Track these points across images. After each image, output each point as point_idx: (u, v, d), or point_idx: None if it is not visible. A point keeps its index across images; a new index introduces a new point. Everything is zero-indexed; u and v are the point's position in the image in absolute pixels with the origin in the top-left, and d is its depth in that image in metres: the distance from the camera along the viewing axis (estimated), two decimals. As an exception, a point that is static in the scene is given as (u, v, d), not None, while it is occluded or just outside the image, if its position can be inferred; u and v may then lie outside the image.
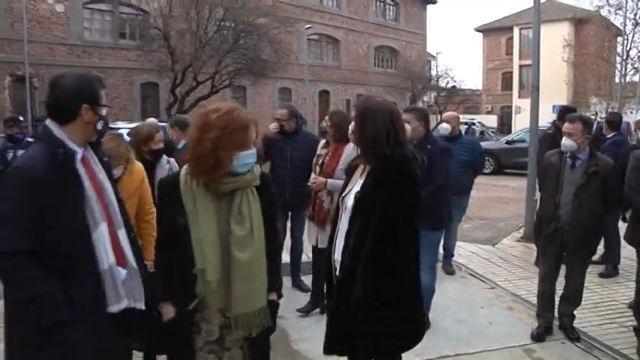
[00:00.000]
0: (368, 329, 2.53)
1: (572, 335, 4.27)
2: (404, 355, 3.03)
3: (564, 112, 6.21)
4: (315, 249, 4.72)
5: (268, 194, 2.41)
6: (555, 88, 40.77)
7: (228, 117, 2.21)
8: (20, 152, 5.02)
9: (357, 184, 2.70)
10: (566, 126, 4.14)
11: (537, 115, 7.59)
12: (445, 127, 5.86)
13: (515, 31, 44.73)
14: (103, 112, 2.26)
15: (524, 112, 7.67)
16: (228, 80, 23.98)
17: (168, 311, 2.31)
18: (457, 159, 5.09)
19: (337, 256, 2.72)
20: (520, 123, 31.77)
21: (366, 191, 2.58)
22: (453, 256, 6.27)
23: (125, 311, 2.24)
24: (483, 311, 4.94)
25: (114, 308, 2.20)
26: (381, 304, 2.53)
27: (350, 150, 4.31)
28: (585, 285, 4.43)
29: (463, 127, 21.14)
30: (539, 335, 4.26)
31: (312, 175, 4.57)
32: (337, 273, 2.71)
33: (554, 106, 31.32)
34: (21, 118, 5.72)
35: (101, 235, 2.20)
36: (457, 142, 5.69)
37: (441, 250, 5.59)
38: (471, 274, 6.08)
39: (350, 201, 2.67)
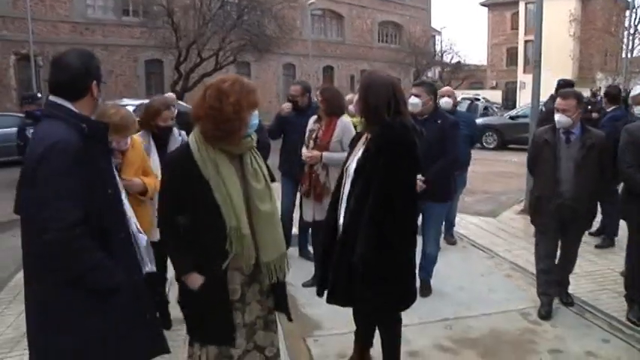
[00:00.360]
0: (367, 285, 2.79)
1: (566, 300, 4.43)
2: (406, 318, 3.27)
3: (563, 87, 6.33)
4: (314, 224, 4.74)
5: (260, 154, 2.63)
6: (561, 64, 40.46)
7: (239, 83, 2.41)
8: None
9: (359, 152, 2.93)
10: (558, 102, 4.13)
11: (539, 90, 7.69)
12: (447, 102, 5.85)
13: (521, 5, 44.31)
14: (101, 87, 2.36)
15: (529, 87, 7.71)
16: (233, 56, 24.00)
17: (196, 279, 2.44)
18: None
19: (341, 219, 2.94)
20: (525, 98, 31.68)
21: (367, 157, 2.81)
22: (454, 226, 6.44)
23: (149, 274, 2.45)
24: (483, 279, 5.14)
25: (145, 270, 2.42)
26: (379, 264, 2.78)
27: (343, 123, 4.51)
28: (581, 255, 4.63)
29: (466, 103, 21.23)
30: (548, 313, 4.21)
31: (304, 150, 4.64)
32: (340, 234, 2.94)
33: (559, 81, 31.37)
34: (39, 95, 5.72)
35: (126, 204, 2.40)
36: (455, 116, 5.54)
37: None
38: (472, 245, 6.27)
39: (352, 166, 2.90)
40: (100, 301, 2.16)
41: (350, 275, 2.84)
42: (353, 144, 3.12)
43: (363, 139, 3.00)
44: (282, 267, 2.58)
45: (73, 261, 2.10)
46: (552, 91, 6.84)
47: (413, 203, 2.93)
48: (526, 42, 42.64)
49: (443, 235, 5.89)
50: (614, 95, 6.50)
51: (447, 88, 6.55)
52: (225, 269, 2.43)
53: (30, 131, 5.85)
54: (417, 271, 3.47)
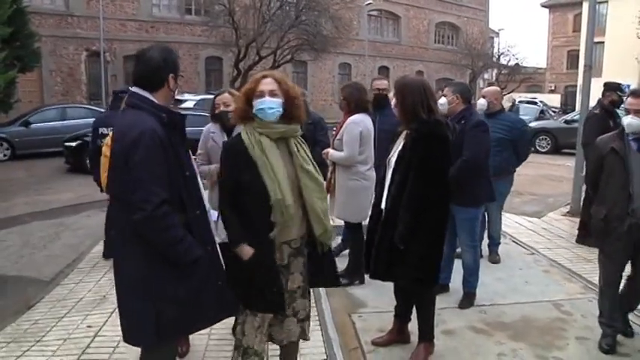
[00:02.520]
0: (406, 260, 3.23)
1: (626, 330, 3.97)
2: (443, 302, 3.65)
3: (609, 90, 6.39)
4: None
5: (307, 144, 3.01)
6: (626, 67, 39.06)
7: (252, 79, 2.87)
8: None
9: (399, 146, 3.39)
10: (630, 101, 3.61)
11: (589, 95, 7.77)
12: (481, 103, 5.42)
13: (585, 6, 43.01)
14: (179, 80, 2.64)
15: (591, 91, 7.58)
16: (290, 55, 24.67)
17: (248, 250, 2.80)
18: (493, 137, 4.61)
19: (383, 204, 3.43)
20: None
21: (406, 149, 3.27)
22: (498, 244, 5.83)
23: (221, 245, 2.77)
24: (521, 272, 5.40)
25: (217, 241, 2.73)
26: (414, 243, 3.22)
27: (349, 122, 4.62)
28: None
29: (522, 106, 20.89)
30: (611, 347, 3.75)
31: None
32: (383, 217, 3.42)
33: (622, 85, 30.33)
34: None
35: (200, 184, 2.71)
36: (495, 119, 5.20)
37: (486, 239, 5.73)
38: (514, 242, 6.50)
39: (393, 159, 3.38)
40: (180, 271, 2.43)
41: (390, 253, 3.26)
42: (393, 139, 3.55)
43: (403, 134, 3.44)
44: (333, 235, 2.98)
45: (161, 236, 2.37)
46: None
47: (446, 191, 3.35)
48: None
49: (488, 253, 5.71)
50: None
51: (488, 88, 6.03)
52: (273, 241, 2.80)
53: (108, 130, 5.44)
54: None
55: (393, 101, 3.55)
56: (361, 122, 4.64)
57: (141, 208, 2.30)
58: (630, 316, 4.05)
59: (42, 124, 15.44)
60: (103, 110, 13.50)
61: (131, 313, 2.51)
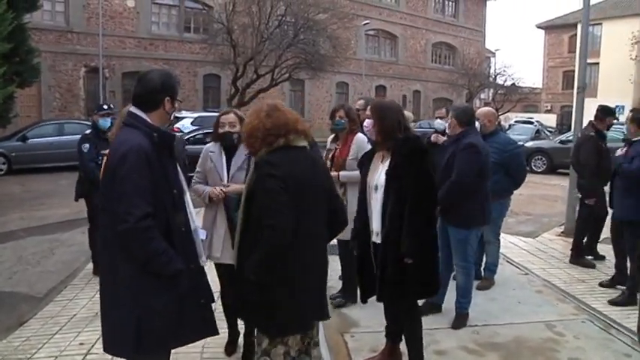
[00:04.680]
0: (415, 275, 3.31)
1: None
2: (436, 322, 3.67)
3: (607, 114, 6.43)
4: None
5: None
6: (620, 88, 39.40)
7: None
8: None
9: (381, 167, 3.44)
10: None
11: (582, 116, 7.85)
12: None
13: (580, 28, 43.52)
14: (177, 104, 2.71)
15: (586, 111, 7.71)
16: (288, 74, 24.87)
17: None
18: None
19: (375, 227, 3.44)
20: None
21: (396, 168, 3.30)
22: (493, 271, 5.67)
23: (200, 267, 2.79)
24: (514, 292, 5.40)
25: (200, 263, 2.73)
26: (420, 255, 3.30)
27: (359, 140, 4.61)
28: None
29: (519, 126, 20.90)
30: None
31: None
32: (375, 239, 3.44)
33: (616, 106, 30.57)
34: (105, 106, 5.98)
35: (188, 202, 2.73)
36: (488, 141, 4.90)
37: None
38: (508, 262, 6.50)
39: (381, 180, 3.39)
40: (163, 283, 2.49)
41: (397, 272, 3.31)
42: (366, 161, 3.60)
43: (378, 156, 3.51)
44: None
45: (142, 248, 2.44)
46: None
47: (434, 204, 3.49)
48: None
49: (483, 274, 5.61)
50: None
51: (482, 109, 5.69)
52: None
53: (86, 146, 5.64)
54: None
55: (367, 122, 3.56)
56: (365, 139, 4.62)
57: (124, 220, 2.39)
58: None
59: (39, 139, 15.50)
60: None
61: (112, 321, 2.57)
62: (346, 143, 4.66)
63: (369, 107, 3.64)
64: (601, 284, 5.59)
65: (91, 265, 6.01)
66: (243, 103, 23.04)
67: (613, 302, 5.04)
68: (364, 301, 3.62)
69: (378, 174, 3.44)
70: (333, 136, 4.89)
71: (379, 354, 3.83)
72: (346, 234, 4.63)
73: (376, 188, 3.43)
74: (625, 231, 5.19)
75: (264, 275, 2.56)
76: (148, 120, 2.59)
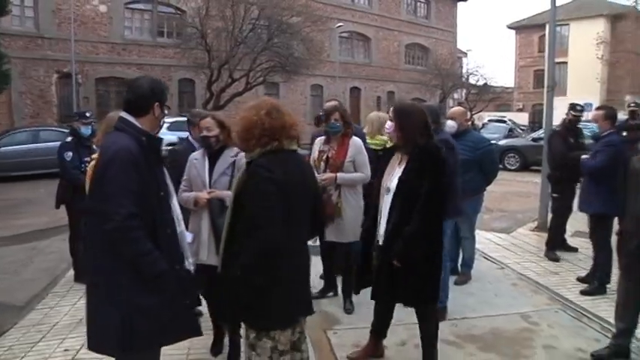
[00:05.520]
0: (414, 279, 3.41)
1: None
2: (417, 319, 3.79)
3: (568, 108, 6.72)
4: (323, 244, 4.82)
5: None
6: (587, 86, 40.36)
7: None
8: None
9: (396, 170, 3.48)
10: None
11: (552, 114, 8.11)
12: (450, 125, 5.29)
13: (548, 28, 44.37)
14: (166, 111, 2.79)
15: (556, 109, 7.93)
16: (262, 77, 24.89)
17: None
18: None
19: (381, 228, 3.51)
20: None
21: (409, 175, 3.36)
22: (469, 266, 5.84)
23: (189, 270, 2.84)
24: (490, 286, 5.57)
25: (185, 265, 2.79)
26: (425, 262, 3.42)
27: (356, 143, 4.65)
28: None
29: (492, 125, 21.25)
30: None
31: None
32: (381, 242, 3.51)
33: (585, 104, 31.22)
34: (87, 114, 5.98)
35: (175, 205, 2.82)
36: (460, 140, 5.05)
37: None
38: (484, 257, 6.68)
39: (393, 183, 3.44)
40: (149, 283, 2.54)
41: (392, 275, 3.41)
42: (383, 163, 3.64)
43: (396, 159, 3.54)
44: None
45: (128, 247, 2.51)
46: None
47: (441, 215, 3.51)
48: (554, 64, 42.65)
49: (460, 269, 5.79)
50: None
51: (454, 109, 5.80)
52: None
53: (69, 154, 5.63)
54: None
55: (389, 124, 3.57)
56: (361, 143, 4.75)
57: (111, 219, 2.46)
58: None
59: (12, 147, 15.27)
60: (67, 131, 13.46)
61: (97, 318, 2.62)
62: (342, 145, 4.62)
63: (391, 110, 3.61)
64: (579, 279, 5.65)
65: (72, 272, 6.00)
66: (219, 107, 22.98)
67: (585, 292, 5.24)
68: (357, 291, 3.82)
69: (392, 177, 3.49)
70: (323, 137, 4.81)
71: (362, 349, 3.94)
72: (343, 236, 4.63)
73: (388, 191, 3.48)
74: (595, 225, 5.38)
75: (254, 274, 2.62)
76: (138, 125, 2.67)
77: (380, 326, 3.88)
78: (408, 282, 3.41)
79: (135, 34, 27.36)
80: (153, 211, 2.61)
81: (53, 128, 17.66)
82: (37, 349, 4.21)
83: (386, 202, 3.48)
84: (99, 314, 2.61)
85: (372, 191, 3.96)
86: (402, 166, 3.44)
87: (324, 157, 4.64)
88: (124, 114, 2.71)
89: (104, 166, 2.57)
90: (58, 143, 12.76)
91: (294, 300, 2.77)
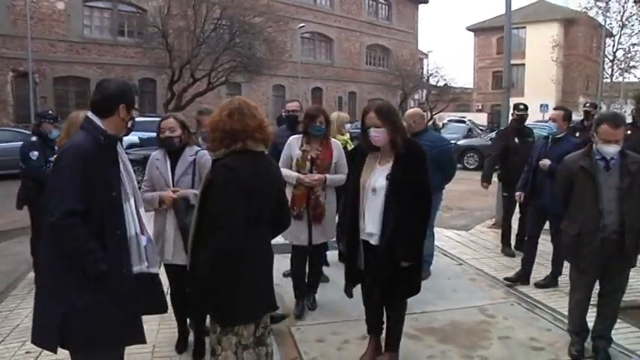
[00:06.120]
0: (409, 276, 3.53)
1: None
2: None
3: (518, 110, 7.02)
4: (311, 247, 4.72)
5: None
6: (544, 88, 41.62)
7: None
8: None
9: (378, 170, 3.52)
10: (611, 132, 3.68)
11: (507, 114, 8.38)
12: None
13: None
14: (135, 113, 2.77)
15: (512, 110, 8.27)
16: (224, 77, 24.80)
17: None
18: None
19: (371, 228, 3.50)
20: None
21: (398, 174, 3.41)
22: (429, 262, 5.90)
23: (141, 275, 2.76)
24: (449, 281, 5.75)
25: (136, 269, 2.73)
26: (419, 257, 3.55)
27: (337, 144, 4.75)
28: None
29: (452, 125, 21.58)
30: (580, 353, 3.95)
31: (296, 174, 4.54)
32: (370, 240, 3.53)
33: (541, 105, 32.24)
34: (50, 114, 5.97)
35: (130, 208, 2.74)
36: (418, 139, 4.79)
37: None
38: (444, 254, 6.87)
39: (379, 182, 3.47)
40: (89, 283, 2.51)
41: (397, 274, 3.47)
42: (355, 163, 3.67)
43: (373, 158, 3.57)
44: None
45: (66, 244, 2.49)
46: (535, 115, 7.07)
47: (430, 208, 3.62)
48: (511, 66, 43.71)
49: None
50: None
51: (409, 111, 6.08)
52: None
53: (34, 154, 5.59)
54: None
55: (375, 131, 3.45)
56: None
57: (51, 214, 2.46)
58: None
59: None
60: (29, 133, 13.09)
61: (40, 313, 2.61)
62: (327, 147, 4.63)
63: (376, 113, 3.47)
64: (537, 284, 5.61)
65: (32, 275, 5.90)
66: (180, 107, 22.79)
67: (538, 285, 5.46)
68: (350, 294, 3.80)
69: (376, 176, 3.50)
70: (300, 137, 4.72)
71: (368, 352, 3.91)
72: (326, 235, 4.66)
73: (374, 191, 3.48)
74: (552, 221, 5.52)
75: (215, 272, 2.66)
76: (100, 125, 2.66)
77: (378, 322, 3.90)
78: (409, 278, 3.53)
79: (95, 33, 26.95)
80: (102, 211, 2.58)
81: (7, 128, 17.20)
82: (-2, 352, 4.16)
83: (373, 203, 3.49)
84: (43, 310, 2.60)
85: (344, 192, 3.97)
86: (385, 166, 3.48)
87: (310, 158, 4.59)
88: (89, 114, 2.71)
89: (56, 160, 2.62)
90: (13, 144, 12.52)
91: (257, 298, 2.82)
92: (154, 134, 4.05)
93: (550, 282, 5.47)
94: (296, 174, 4.54)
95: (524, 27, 44.81)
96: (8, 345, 4.29)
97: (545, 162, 5.33)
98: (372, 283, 3.62)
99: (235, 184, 2.63)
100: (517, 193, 5.76)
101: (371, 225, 3.51)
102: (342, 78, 38.83)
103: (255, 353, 2.86)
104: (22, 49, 22.28)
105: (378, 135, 3.43)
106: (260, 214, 2.78)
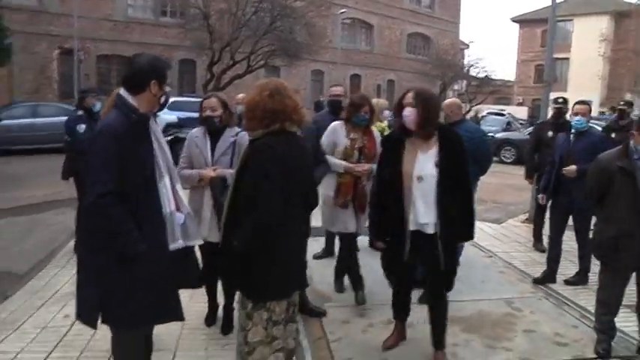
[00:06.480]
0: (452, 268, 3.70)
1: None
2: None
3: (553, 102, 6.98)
4: (351, 235, 4.68)
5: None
6: (589, 83, 40.45)
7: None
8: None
9: (420, 157, 3.47)
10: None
11: (547, 109, 8.25)
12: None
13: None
14: (167, 89, 2.75)
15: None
16: (264, 60, 24.86)
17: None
18: None
19: (424, 218, 3.45)
20: (550, 116, 31.77)
21: (446, 160, 3.44)
22: (459, 254, 5.64)
23: (179, 251, 2.78)
24: (478, 272, 5.75)
25: (172, 247, 2.73)
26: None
27: (377, 133, 4.72)
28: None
29: (491, 118, 21.27)
30: (607, 351, 3.93)
31: (342, 162, 4.45)
32: (425, 229, 3.48)
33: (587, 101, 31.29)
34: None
35: (165, 186, 2.73)
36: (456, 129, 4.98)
37: None
38: (474, 246, 6.82)
39: (426, 170, 3.44)
40: (125, 264, 2.53)
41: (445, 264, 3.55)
42: (395, 151, 3.56)
43: (412, 146, 3.51)
44: None
45: (102, 224, 2.50)
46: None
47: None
48: (555, 59, 42.69)
49: None
50: None
51: (446, 100, 5.84)
52: None
53: (82, 127, 5.90)
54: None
55: (408, 111, 3.43)
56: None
57: (89, 193, 2.49)
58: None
59: (12, 120, 15.34)
60: (73, 108, 13.48)
61: (82, 291, 2.69)
62: (371, 136, 4.58)
63: (414, 95, 3.46)
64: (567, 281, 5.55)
65: (72, 243, 6.15)
66: (219, 88, 22.97)
67: (568, 282, 5.41)
68: (397, 286, 3.88)
69: (420, 165, 3.45)
70: (339, 123, 4.62)
71: (393, 335, 3.99)
72: (361, 225, 4.60)
73: (419, 179, 3.43)
74: (577, 218, 5.41)
75: (251, 247, 2.72)
76: (132, 102, 2.64)
77: (406, 309, 3.96)
78: (452, 268, 3.69)
79: (138, 13, 27.40)
80: (136, 189, 2.58)
81: (53, 104, 17.74)
82: (39, 314, 4.39)
83: (422, 190, 3.43)
84: (84, 288, 2.67)
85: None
86: (427, 153, 3.45)
87: (357, 147, 4.51)
88: (121, 90, 2.69)
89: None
90: (58, 119, 12.89)
91: (287, 272, 2.87)
92: (194, 114, 4.11)
93: (580, 279, 5.41)
94: (344, 162, 4.46)
95: (572, 19, 43.48)
96: (49, 308, 4.53)
97: (571, 169, 5.20)
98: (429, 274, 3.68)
99: (274, 163, 2.66)
100: (539, 196, 5.70)
101: (423, 215, 3.45)
102: (382, 65, 38.53)
103: (284, 329, 2.94)
104: (69, 26, 22.79)
105: (409, 115, 3.40)
106: (296, 195, 2.82)
